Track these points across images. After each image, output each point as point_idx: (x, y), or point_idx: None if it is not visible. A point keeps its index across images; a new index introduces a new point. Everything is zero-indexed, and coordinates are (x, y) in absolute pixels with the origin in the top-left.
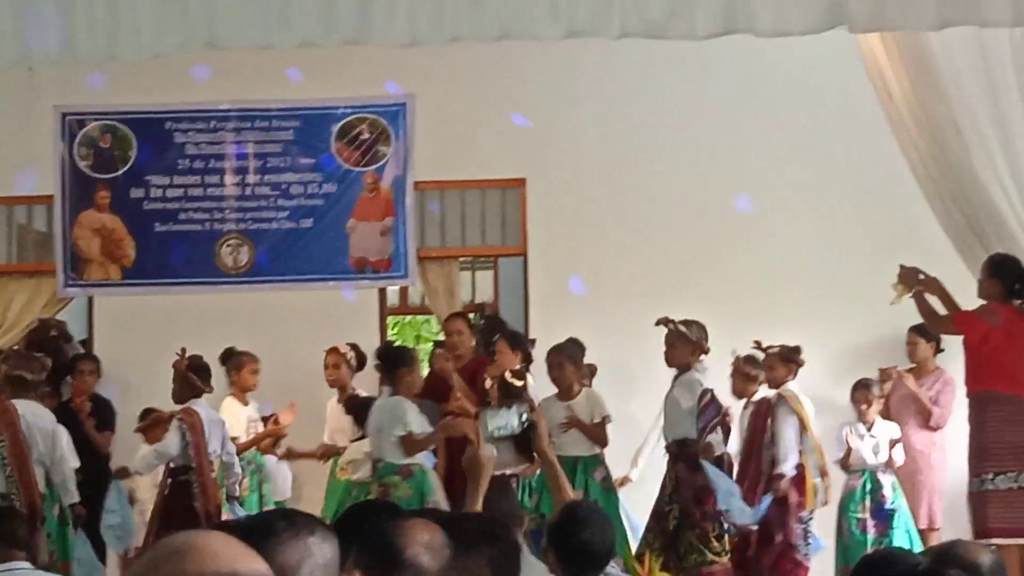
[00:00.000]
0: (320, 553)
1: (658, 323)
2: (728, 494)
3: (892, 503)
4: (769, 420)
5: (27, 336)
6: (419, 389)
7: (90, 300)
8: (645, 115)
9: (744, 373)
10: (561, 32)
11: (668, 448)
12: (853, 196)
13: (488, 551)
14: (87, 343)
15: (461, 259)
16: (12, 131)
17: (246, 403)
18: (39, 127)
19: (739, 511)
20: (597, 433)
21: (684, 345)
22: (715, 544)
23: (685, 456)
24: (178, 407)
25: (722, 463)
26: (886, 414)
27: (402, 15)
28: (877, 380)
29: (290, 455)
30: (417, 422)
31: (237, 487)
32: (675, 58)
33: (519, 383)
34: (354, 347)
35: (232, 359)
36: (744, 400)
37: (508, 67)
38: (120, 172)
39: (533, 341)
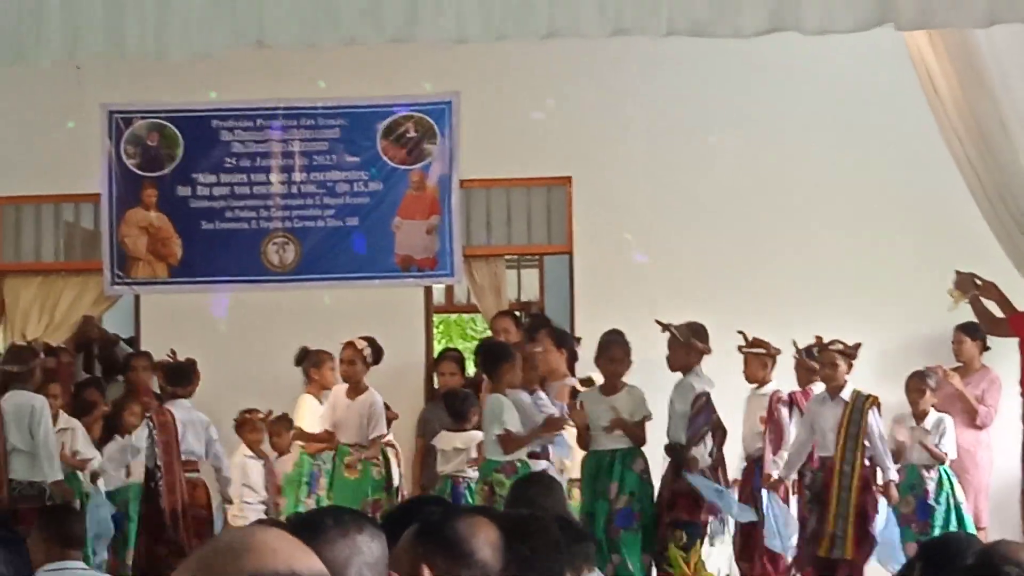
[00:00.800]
0: (369, 551)
1: (664, 329)
2: (716, 493)
3: (935, 499)
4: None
5: (74, 335)
6: (519, 383)
7: (137, 298)
8: (691, 113)
9: (807, 367)
10: (608, 30)
11: (665, 450)
12: (900, 194)
13: (520, 548)
14: (134, 341)
15: (507, 257)
16: (60, 130)
17: (322, 402)
18: (87, 126)
19: (734, 508)
20: (637, 433)
21: (676, 348)
22: (672, 551)
23: (673, 460)
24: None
25: (706, 475)
26: None
27: (449, 13)
28: (933, 371)
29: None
30: (514, 420)
31: (229, 491)
32: (721, 56)
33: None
34: (370, 341)
35: (310, 357)
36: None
37: (554, 65)
38: (167, 170)
39: (579, 339)
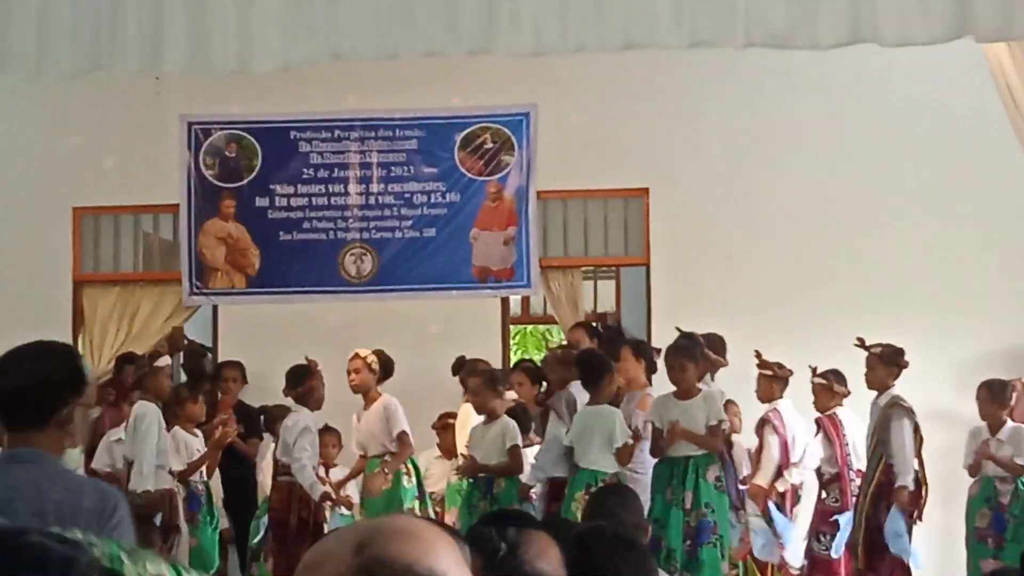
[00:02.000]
0: None
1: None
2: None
3: (1010, 512)
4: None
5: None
6: (612, 397)
7: (215, 309)
8: (768, 124)
9: (830, 391)
10: (685, 42)
11: None
12: (977, 206)
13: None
14: (212, 351)
15: (583, 268)
16: (139, 140)
17: None
18: (165, 136)
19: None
20: (706, 440)
21: None
22: (748, 562)
23: None
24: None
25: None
26: None
27: (527, 25)
28: (1008, 382)
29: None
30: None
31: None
32: (798, 67)
33: None
34: (378, 353)
35: (466, 366)
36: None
37: (631, 77)
38: (245, 181)
39: (658, 351)
